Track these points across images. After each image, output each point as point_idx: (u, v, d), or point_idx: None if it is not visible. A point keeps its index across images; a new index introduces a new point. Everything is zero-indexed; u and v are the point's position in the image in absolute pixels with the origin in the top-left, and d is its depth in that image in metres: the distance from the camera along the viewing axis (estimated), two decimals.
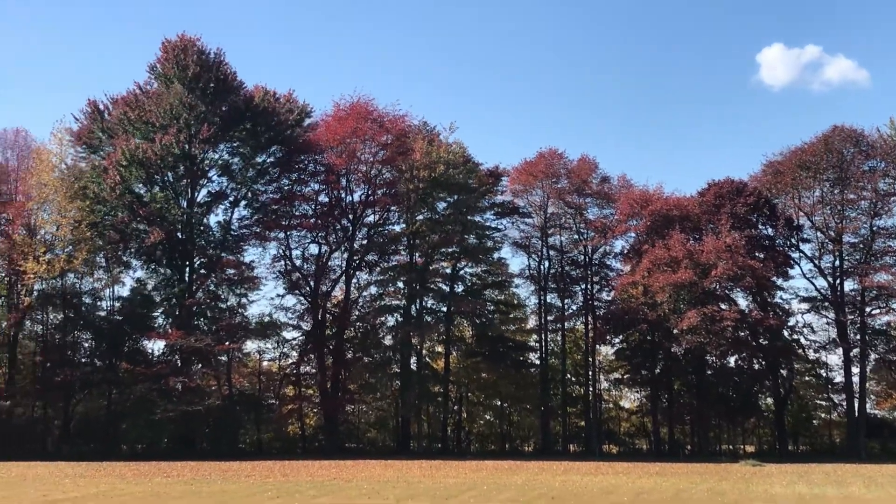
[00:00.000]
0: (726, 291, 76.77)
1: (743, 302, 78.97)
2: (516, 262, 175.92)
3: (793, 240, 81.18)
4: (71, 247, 72.76)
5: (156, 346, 76.60)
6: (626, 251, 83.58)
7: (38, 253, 69.33)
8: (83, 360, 75.73)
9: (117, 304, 77.23)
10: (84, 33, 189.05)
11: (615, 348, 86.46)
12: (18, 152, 74.14)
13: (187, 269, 76.03)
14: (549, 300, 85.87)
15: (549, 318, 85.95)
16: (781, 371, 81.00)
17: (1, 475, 44.04)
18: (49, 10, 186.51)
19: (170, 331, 72.37)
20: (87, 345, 76.92)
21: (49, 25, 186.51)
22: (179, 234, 75.46)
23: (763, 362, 80.00)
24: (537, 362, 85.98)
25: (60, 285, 73.45)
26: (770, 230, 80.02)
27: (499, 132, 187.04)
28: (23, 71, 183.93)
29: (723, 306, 74.44)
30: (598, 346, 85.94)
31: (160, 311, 76.99)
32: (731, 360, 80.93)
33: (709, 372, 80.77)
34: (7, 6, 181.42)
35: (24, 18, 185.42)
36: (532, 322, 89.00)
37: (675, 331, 74.13)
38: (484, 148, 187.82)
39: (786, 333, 79.84)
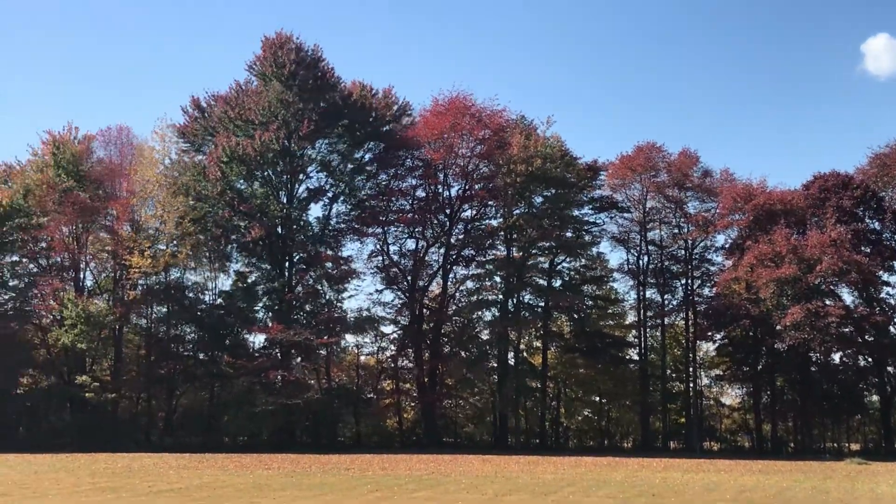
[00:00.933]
0: (831, 287, 75.09)
1: (848, 298, 77.37)
2: (615, 256, 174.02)
3: None
4: (174, 242, 74.24)
5: (256, 340, 77.70)
6: (728, 246, 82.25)
7: (143, 248, 70.71)
8: (186, 353, 77.15)
9: (219, 299, 78.44)
10: (187, 31, 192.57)
11: (716, 344, 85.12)
12: (122, 149, 75.72)
13: (287, 263, 77.01)
14: (648, 295, 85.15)
15: (649, 313, 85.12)
16: (888, 368, 78.97)
17: (108, 466, 44.93)
18: (153, 11, 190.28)
19: (270, 324, 73.30)
20: (190, 338, 78.35)
21: (152, 25, 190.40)
22: (279, 230, 76.40)
23: (869, 359, 78.15)
24: (636, 358, 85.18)
25: (164, 279, 74.86)
26: (877, 224, 78.08)
27: (597, 126, 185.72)
28: (126, 69, 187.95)
29: (828, 302, 72.83)
30: (698, 341, 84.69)
31: (261, 304, 78.06)
32: (836, 357, 79.23)
33: (813, 369, 79.05)
34: (116, 6, 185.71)
35: (127, 18, 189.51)
36: (631, 317, 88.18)
37: (778, 327, 72.82)
38: (582, 142, 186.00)
39: (892, 330, 77.74)
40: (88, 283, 76.73)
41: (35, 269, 76.66)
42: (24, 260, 76.96)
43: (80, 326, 68.49)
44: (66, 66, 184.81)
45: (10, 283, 77.56)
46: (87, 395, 69.24)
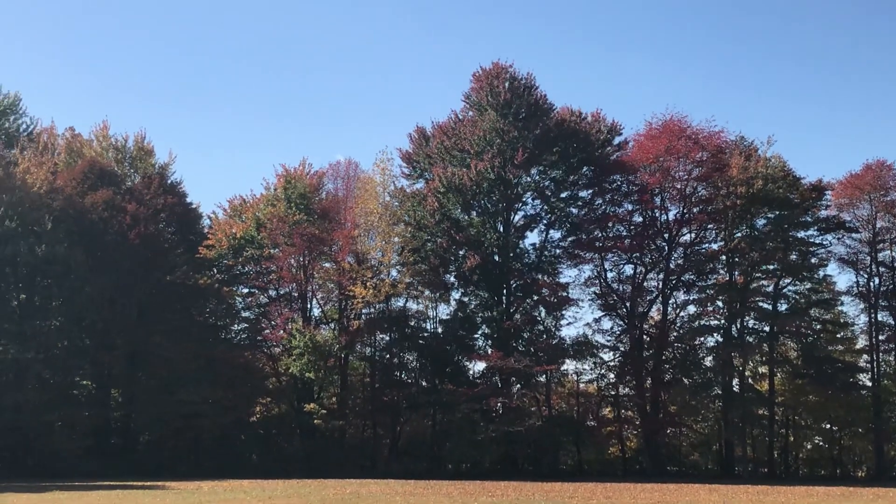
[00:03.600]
0: None
1: None
2: (843, 279, 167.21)
3: None
4: (395, 271, 76.05)
5: (476, 367, 78.33)
6: None
7: (366, 278, 72.61)
8: (409, 381, 78.59)
9: (439, 327, 79.58)
10: (405, 66, 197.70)
11: None
12: (347, 182, 78.20)
13: (504, 291, 77.54)
14: (880, 318, 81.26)
15: (881, 337, 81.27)
16: None
17: (337, 492, 46.20)
18: (374, 48, 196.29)
19: (489, 352, 73.96)
20: (412, 366, 79.84)
21: (373, 62, 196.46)
22: (496, 258, 77.15)
23: None
24: (869, 384, 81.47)
25: (386, 308, 76.54)
26: None
27: (821, 143, 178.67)
28: (352, 101, 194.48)
29: None
30: None
31: (479, 332, 78.89)
32: None
33: None
34: (344, 45, 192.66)
35: (353, 56, 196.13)
36: (862, 342, 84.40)
37: None
38: (805, 161, 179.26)
39: None
40: (315, 312, 79.46)
41: (265, 300, 79.98)
42: (256, 291, 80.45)
43: (308, 355, 70.92)
44: (288, 100, 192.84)
45: (243, 315, 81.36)
46: (315, 422, 71.61)
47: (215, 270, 78.08)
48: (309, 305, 78.82)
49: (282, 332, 74.52)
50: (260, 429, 79.84)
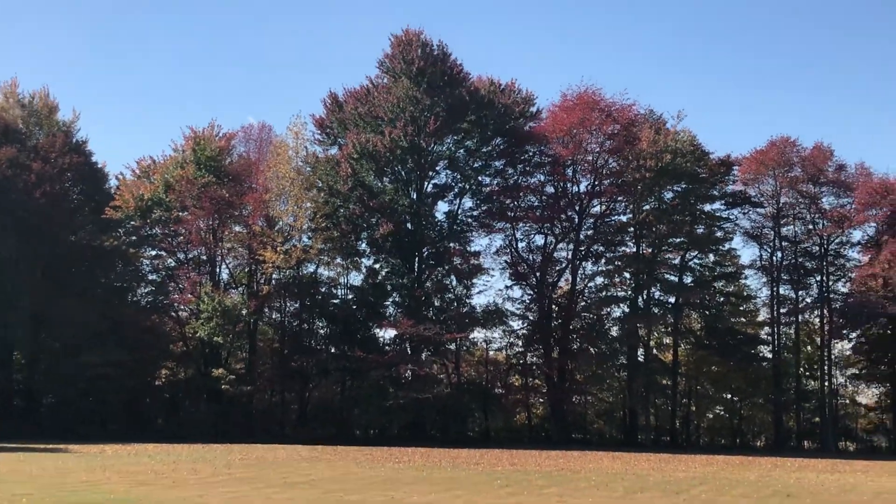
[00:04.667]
0: None
1: None
2: (747, 252, 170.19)
3: None
4: (306, 237, 75.54)
5: (386, 335, 78.46)
6: (864, 242, 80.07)
7: (276, 243, 72.06)
8: (319, 347, 78.38)
9: (350, 294, 79.43)
10: (324, 28, 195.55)
11: (852, 342, 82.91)
12: (260, 145, 77.37)
13: (416, 259, 77.64)
14: (781, 292, 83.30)
15: (782, 310, 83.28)
16: None
17: (243, 457, 45.91)
18: (298, 14, 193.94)
19: (400, 319, 74.03)
20: (322, 332, 79.64)
21: (293, 22, 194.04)
22: (408, 225, 77.17)
23: None
24: (769, 356, 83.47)
25: (296, 274, 76.14)
26: None
27: (731, 119, 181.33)
28: (267, 66, 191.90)
29: None
30: (833, 339, 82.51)
31: (390, 300, 78.92)
32: None
33: None
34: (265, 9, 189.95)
35: (273, 19, 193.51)
36: (763, 314, 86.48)
37: None
38: (714, 136, 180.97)
39: None
40: (224, 276, 78.75)
41: (173, 263, 78.96)
42: (164, 254, 79.34)
43: (216, 320, 70.27)
44: (205, 59, 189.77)
45: (150, 277, 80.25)
46: (223, 387, 70.98)
47: (122, 232, 76.67)
48: (218, 269, 78.20)
49: (190, 295, 73.64)
50: (166, 393, 79.14)
